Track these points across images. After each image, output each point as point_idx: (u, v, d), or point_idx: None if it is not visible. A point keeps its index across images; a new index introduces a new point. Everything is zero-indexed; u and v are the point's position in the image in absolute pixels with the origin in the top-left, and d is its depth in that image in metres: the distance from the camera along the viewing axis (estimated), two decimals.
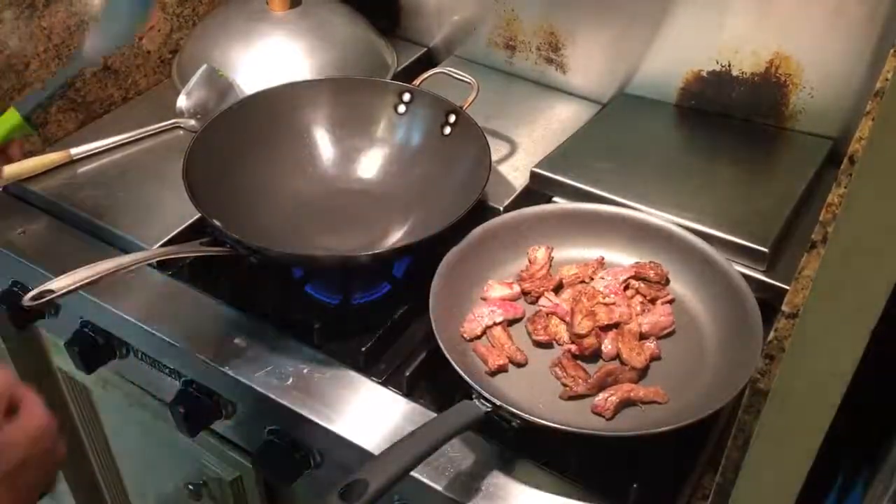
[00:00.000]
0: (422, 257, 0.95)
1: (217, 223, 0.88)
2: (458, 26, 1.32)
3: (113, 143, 1.15)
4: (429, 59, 1.36)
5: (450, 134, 1.05)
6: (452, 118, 1.05)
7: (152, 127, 1.17)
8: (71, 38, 1.16)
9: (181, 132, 1.18)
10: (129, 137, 1.15)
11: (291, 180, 1.06)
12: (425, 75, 1.11)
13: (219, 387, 0.92)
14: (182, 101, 1.19)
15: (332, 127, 1.10)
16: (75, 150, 1.13)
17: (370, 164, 1.09)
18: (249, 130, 1.05)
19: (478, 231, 0.94)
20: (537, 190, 1.06)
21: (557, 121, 1.21)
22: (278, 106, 1.08)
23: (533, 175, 1.06)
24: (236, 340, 0.90)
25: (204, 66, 1.18)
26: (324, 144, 1.10)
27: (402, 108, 1.09)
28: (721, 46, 1.10)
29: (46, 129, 1.18)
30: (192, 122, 1.18)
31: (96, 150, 1.14)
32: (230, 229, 0.87)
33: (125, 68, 1.25)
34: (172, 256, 0.91)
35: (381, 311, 0.94)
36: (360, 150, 1.10)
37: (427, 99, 1.08)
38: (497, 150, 1.14)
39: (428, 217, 0.99)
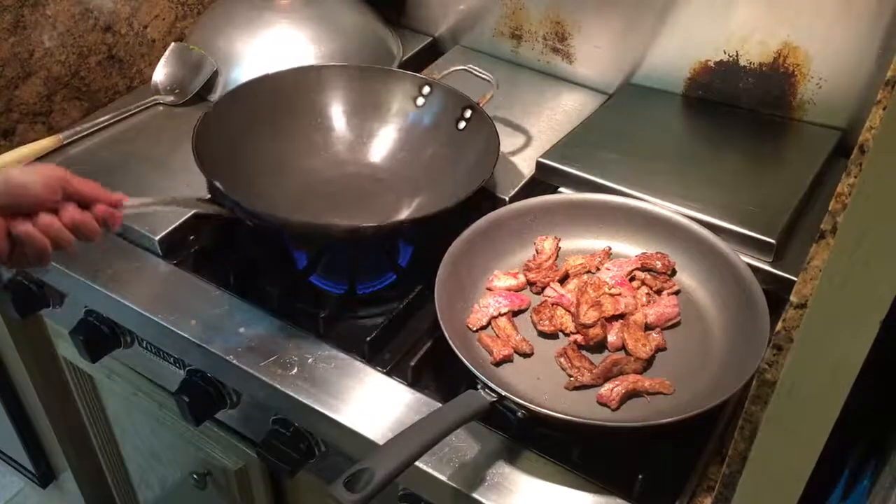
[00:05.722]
0: (425, 242, 0.95)
1: (218, 184, 0.87)
2: (464, 16, 1.32)
3: (99, 124, 1.16)
4: (434, 49, 1.35)
5: (464, 129, 1.06)
6: (468, 114, 1.05)
7: (133, 106, 1.19)
8: (76, 27, 1.16)
9: (161, 108, 1.20)
10: (114, 117, 1.17)
11: (302, 159, 1.07)
12: (447, 71, 1.11)
13: (223, 376, 0.92)
14: (157, 77, 1.22)
15: (349, 112, 1.11)
16: (65, 135, 1.13)
17: (382, 148, 1.10)
18: (264, 107, 1.06)
19: (483, 221, 0.94)
20: (543, 180, 1.06)
21: (563, 111, 1.20)
22: (297, 86, 1.09)
23: (539, 165, 1.06)
24: (241, 330, 0.90)
25: (173, 44, 1.22)
26: (339, 128, 1.10)
27: (420, 101, 1.09)
28: (729, 36, 1.10)
29: (51, 118, 1.18)
30: (171, 97, 1.21)
31: (84, 133, 1.14)
32: (232, 192, 0.87)
33: (129, 57, 1.25)
34: (165, 208, 0.89)
35: (386, 300, 0.94)
36: (373, 135, 1.10)
37: (445, 93, 1.08)
38: (503, 139, 1.13)
39: (434, 199, 0.99)
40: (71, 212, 0.73)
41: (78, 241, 0.74)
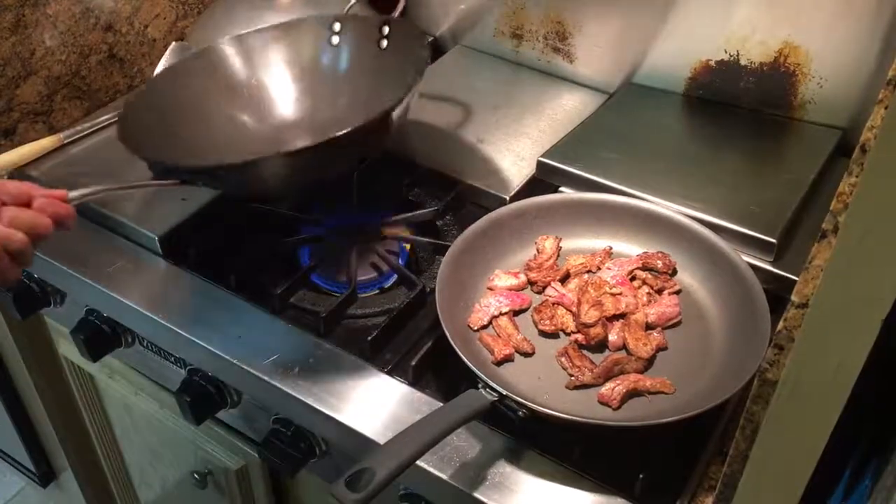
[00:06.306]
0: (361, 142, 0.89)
1: (153, 157, 0.87)
2: (464, 15, 1.32)
3: (99, 123, 1.16)
4: (435, 49, 1.35)
5: (388, 46, 1.03)
6: (386, 30, 1.03)
7: None
8: (76, 26, 1.16)
9: None
10: (115, 117, 1.16)
11: (240, 136, 1.04)
12: (350, 4, 1.10)
13: (224, 376, 0.92)
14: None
15: (274, 77, 1.08)
16: (65, 134, 1.13)
17: (318, 101, 1.07)
18: (194, 86, 1.03)
19: (484, 221, 0.94)
20: (544, 179, 1.06)
21: (564, 110, 1.20)
22: (222, 63, 1.06)
23: (540, 164, 1.06)
24: (242, 329, 0.90)
25: (173, 44, 1.20)
26: (269, 97, 1.08)
27: (335, 39, 1.07)
28: (729, 36, 1.10)
29: (52, 117, 1.18)
30: None
31: (85, 132, 1.15)
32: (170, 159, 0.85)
33: (130, 56, 1.25)
34: (112, 193, 0.85)
35: (387, 300, 0.94)
36: (306, 92, 1.08)
37: (356, 21, 1.06)
38: (504, 139, 1.14)
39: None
40: (10, 210, 0.69)
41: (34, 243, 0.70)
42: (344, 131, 0.82)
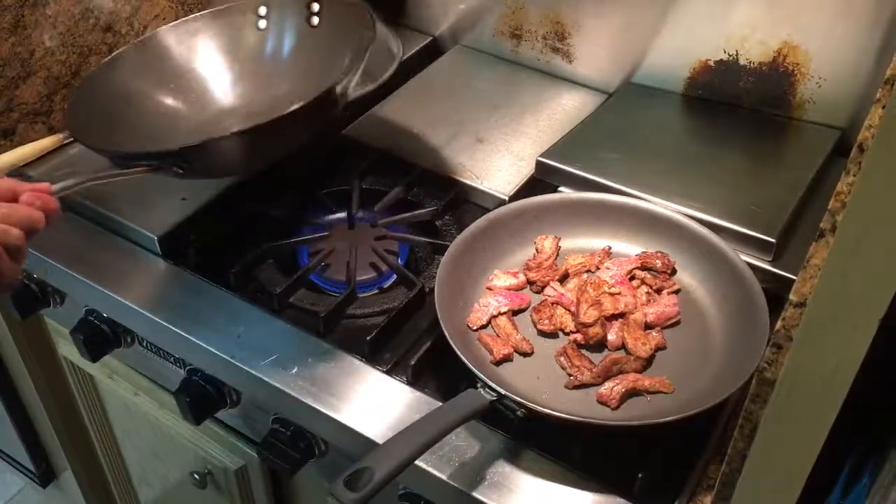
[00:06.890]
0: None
1: (102, 146, 0.87)
2: (464, 15, 1.32)
3: None
4: (435, 48, 1.35)
5: (319, 23, 1.02)
6: (316, 7, 1.02)
7: None
8: (76, 26, 1.16)
9: None
10: None
11: (181, 127, 1.02)
12: None
13: (224, 376, 0.92)
14: None
15: (208, 68, 1.07)
16: (65, 134, 1.13)
17: (253, 87, 1.06)
18: (134, 77, 1.02)
19: (483, 220, 0.94)
20: (543, 179, 1.06)
21: (563, 110, 1.20)
22: (158, 54, 1.06)
23: (539, 164, 1.06)
24: (241, 329, 0.90)
25: None
26: (207, 83, 1.07)
27: (262, 24, 1.05)
28: (729, 35, 1.10)
29: (52, 118, 1.18)
30: None
31: None
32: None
33: None
34: (91, 183, 0.83)
35: (386, 300, 0.94)
36: (239, 78, 1.07)
37: (282, 2, 1.04)
38: (503, 139, 1.14)
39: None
40: (2, 207, 0.69)
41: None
42: (276, 115, 0.82)
